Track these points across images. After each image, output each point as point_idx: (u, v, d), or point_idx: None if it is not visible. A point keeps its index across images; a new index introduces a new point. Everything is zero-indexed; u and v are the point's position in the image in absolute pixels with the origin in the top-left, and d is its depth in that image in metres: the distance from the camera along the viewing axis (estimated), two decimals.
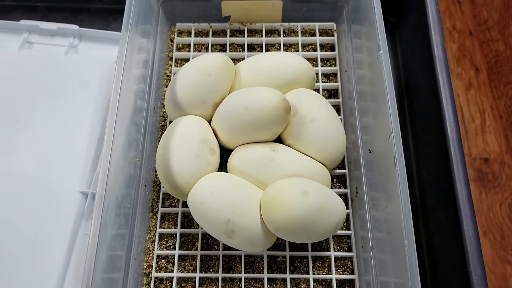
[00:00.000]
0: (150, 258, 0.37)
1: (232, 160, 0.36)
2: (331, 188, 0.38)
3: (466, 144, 0.86)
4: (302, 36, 0.46)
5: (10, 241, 0.38)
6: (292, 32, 0.46)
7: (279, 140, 0.37)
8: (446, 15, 0.98)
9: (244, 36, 0.46)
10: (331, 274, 0.36)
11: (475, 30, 0.97)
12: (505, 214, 0.81)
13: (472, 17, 0.98)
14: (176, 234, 0.37)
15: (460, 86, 0.92)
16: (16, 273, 0.37)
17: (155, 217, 0.38)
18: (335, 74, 0.44)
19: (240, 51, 0.45)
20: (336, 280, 0.36)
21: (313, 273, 0.36)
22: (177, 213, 0.38)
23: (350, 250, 0.37)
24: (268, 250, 0.36)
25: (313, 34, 0.46)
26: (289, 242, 0.37)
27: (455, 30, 0.97)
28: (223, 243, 0.36)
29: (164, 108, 0.42)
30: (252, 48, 0.46)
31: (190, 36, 0.46)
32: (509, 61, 0.94)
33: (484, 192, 0.83)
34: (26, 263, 0.38)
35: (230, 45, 0.45)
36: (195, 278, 0.36)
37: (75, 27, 0.47)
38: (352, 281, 0.36)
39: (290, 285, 0.36)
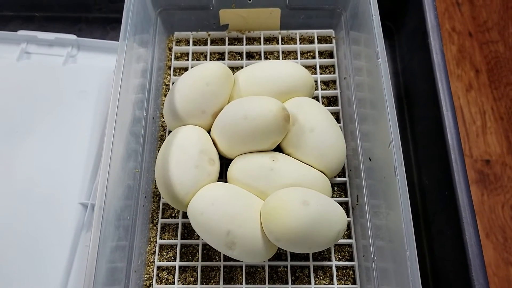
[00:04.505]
0: (150, 269, 0.37)
1: (231, 170, 0.36)
2: (332, 197, 0.38)
3: (467, 146, 0.86)
4: (300, 43, 0.46)
5: (10, 252, 0.38)
6: (290, 40, 0.46)
7: (278, 149, 0.37)
8: (445, 17, 0.98)
9: (242, 44, 0.45)
10: (333, 284, 0.36)
11: (474, 31, 0.96)
12: (507, 216, 0.81)
13: (472, 18, 0.98)
14: (176, 245, 0.37)
15: (460, 88, 0.91)
16: (16, 284, 0.37)
17: (155, 228, 0.38)
18: (334, 81, 0.44)
19: (238, 59, 0.45)
20: None
21: (315, 283, 0.36)
22: (177, 224, 0.38)
23: (351, 259, 0.37)
24: (269, 260, 0.36)
25: (312, 41, 0.46)
26: (290, 251, 0.37)
27: (455, 31, 0.97)
28: (224, 254, 0.36)
29: (163, 118, 0.41)
30: (250, 56, 0.45)
31: (189, 45, 0.46)
32: (509, 62, 0.93)
33: (486, 194, 0.83)
34: (27, 275, 0.37)
35: (228, 54, 0.45)
36: None
37: (73, 36, 0.47)
38: None
39: None
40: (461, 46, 0.95)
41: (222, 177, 0.39)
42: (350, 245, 0.37)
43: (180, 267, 0.36)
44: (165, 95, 0.43)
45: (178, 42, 0.46)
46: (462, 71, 0.93)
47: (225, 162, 0.38)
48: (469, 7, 0.99)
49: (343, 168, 0.40)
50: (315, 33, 0.46)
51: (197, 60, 0.45)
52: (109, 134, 0.32)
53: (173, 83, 0.43)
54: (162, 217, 0.38)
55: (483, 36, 0.96)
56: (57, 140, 0.43)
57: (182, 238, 0.37)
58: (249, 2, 0.43)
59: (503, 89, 0.91)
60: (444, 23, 0.97)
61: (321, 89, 0.44)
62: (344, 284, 0.36)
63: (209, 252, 0.37)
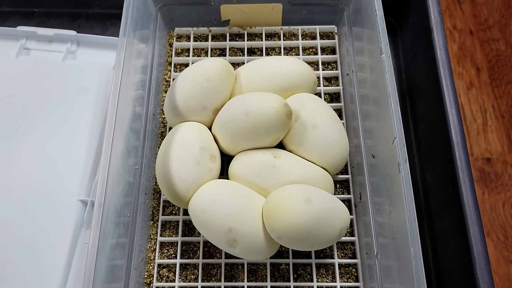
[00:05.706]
0: (151, 267, 0.36)
1: (233, 167, 0.35)
2: (334, 194, 0.38)
3: (468, 144, 0.86)
4: (302, 39, 0.45)
5: (9, 249, 0.38)
6: (292, 36, 0.46)
7: (280, 146, 0.37)
8: (446, 15, 0.98)
9: (244, 40, 0.45)
10: (335, 282, 0.35)
11: (475, 29, 0.96)
12: (508, 214, 0.81)
13: (473, 16, 0.97)
14: (177, 243, 0.37)
15: (461, 86, 0.91)
16: (15, 282, 0.37)
17: (155, 225, 0.38)
18: (336, 78, 0.44)
19: (240, 55, 0.45)
20: (341, 287, 0.35)
21: (317, 281, 0.35)
22: (178, 221, 0.38)
23: (354, 257, 0.37)
24: (271, 257, 0.36)
25: (314, 37, 0.45)
26: (292, 249, 0.36)
27: (456, 29, 0.96)
28: (225, 251, 0.36)
29: (164, 114, 0.41)
30: (252, 52, 0.45)
31: (189, 41, 0.45)
32: (510, 60, 0.93)
33: (487, 192, 0.83)
34: (26, 272, 0.37)
35: (229, 49, 0.45)
36: (197, 287, 0.35)
37: (72, 32, 0.46)
38: None
39: None
40: (462, 44, 0.95)
41: (224, 174, 0.38)
42: (352, 243, 0.37)
43: (181, 264, 0.36)
44: (166, 92, 0.43)
45: (179, 38, 0.46)
46: (463, 69, 0.93)
47: (226, 159, 0.38)
48: (470, 5, 0.99)
49: (346, 165, 0.39)
50: (317, 29, 0.46)
51: (198, 56, 0.45)
52: (109, 131, 0.32)
53: (173, 79, 0.43)
54: (162, 214, 0.38)
55: (484, 34, 0.96)
56: (56, 136, 0.42)
57: (183, 236, 0.37)
58: None
59: (504, 87, 0.91)
60: (445, 21, 0.97)
61: (324, 86, 0.43)
62: (347, 282, 0.36)
63: (210, 250, 0.37)
